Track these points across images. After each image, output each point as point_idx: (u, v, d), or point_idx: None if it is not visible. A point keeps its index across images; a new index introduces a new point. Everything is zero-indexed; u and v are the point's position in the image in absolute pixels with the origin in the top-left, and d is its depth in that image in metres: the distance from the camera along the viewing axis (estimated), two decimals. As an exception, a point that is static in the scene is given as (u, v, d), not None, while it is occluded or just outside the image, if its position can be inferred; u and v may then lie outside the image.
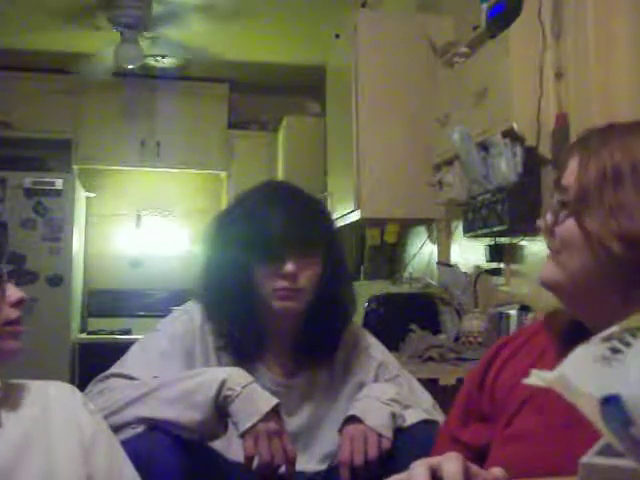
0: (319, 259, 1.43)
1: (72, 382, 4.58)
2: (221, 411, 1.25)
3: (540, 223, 0.90)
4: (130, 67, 4.33)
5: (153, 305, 5.15)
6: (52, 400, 0.98)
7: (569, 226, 0.85)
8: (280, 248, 1.38)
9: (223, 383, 1.25)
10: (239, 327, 1.43)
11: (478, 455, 0.90)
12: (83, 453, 0.94)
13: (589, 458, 0.48)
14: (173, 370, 1.37)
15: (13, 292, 0.96)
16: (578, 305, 0.87)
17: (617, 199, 0.81)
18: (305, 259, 1.40)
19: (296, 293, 1.41)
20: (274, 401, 1.26)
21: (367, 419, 1.31)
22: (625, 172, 0.81)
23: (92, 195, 5.23)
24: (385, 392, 1.39)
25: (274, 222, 1.39)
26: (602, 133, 0.87)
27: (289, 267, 1.38)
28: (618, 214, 0.80)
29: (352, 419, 1.33)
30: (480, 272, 2.77)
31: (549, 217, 0.88)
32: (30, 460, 0.91)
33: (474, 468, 0.64)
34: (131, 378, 1.35)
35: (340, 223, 3.29)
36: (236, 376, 1.27)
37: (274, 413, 1.25)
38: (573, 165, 0.86)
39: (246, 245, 1.41)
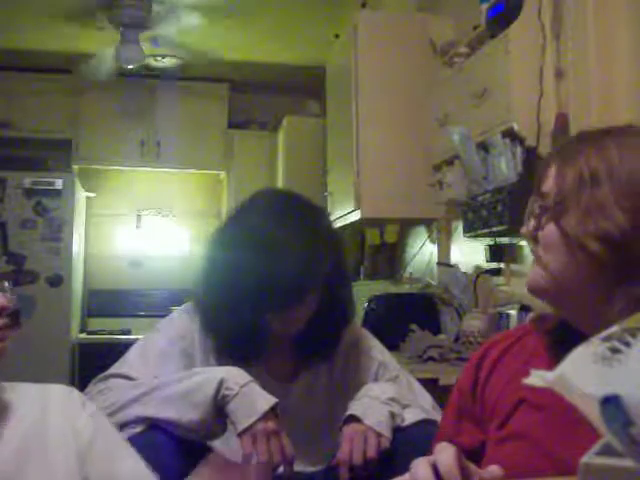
0: (319, 291, 1.40)
1: (72, 382, 4.55)
2: (220, 410, 1.25)
3: (523, 230, 0.91)
4: (130, 67, 4.33)
5: (153, 305, 5.15)
6: (50, 403, 0.97)
7: (550, 230, 0.87)
8: (280, 301, 1.35)
9: (222, 382, 1.25)
10: (239, 329, 1.42)
11: (473, 457, 0.90)
12: (80, 458, 0.94)
13: (589, 458, 0.48)
14: (172, 370, 1.37)
15: None
16: (565, 307, 0.89)
17: (594, 200, 0.82)
18: (305, 300, 1.38)
19: (295, 322, 1.42)
20: (272, 400, 1.26)
21: (366, 418, 1.31)
22: (602, 176, 0.83)
23: (92, 195, 5.23)
24: (384, 392, 1.39)
25: (272, 275, 1.31)
26: (577, 141, 0.90)
27: (289, 315, 1.39)
28: (595, 214, 0.82)
29: (351, 419, 1.33)
30: (480, 272, 2.77)
31: (532, 223, 0.89)
32: (28, 464, 0.91)
33: (472, 467, 0.64)
34: (131, 378, 1.36)
35: (340, 223, 3.29)
36: (234, 375, 1.27)
37: (272, 412, 1.25)
38: (552, 172, 0.89)
39: (244, 288, 1.35)
